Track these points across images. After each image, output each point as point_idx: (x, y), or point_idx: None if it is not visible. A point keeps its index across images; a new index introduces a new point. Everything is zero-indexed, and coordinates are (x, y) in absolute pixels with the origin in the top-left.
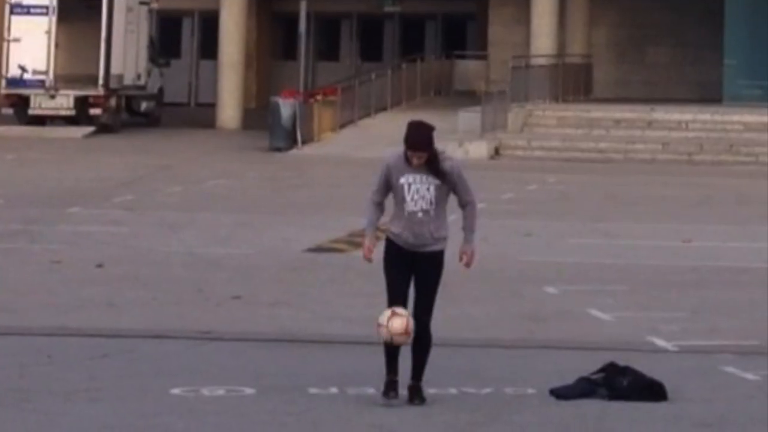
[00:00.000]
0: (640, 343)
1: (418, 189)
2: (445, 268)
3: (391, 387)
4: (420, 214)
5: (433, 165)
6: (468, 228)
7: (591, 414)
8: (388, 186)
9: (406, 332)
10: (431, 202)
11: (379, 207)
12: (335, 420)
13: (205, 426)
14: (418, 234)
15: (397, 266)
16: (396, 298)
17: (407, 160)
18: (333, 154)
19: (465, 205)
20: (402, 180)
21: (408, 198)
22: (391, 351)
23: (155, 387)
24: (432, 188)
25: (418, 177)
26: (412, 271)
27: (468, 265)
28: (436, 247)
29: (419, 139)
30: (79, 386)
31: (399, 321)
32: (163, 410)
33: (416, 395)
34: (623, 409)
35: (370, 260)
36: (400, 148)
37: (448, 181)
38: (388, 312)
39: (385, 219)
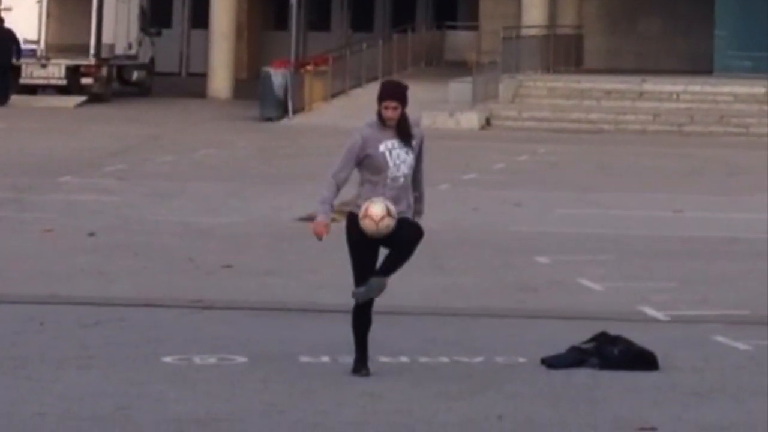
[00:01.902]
0: (631, 313)
1: (399, 154)
2: (435, 239)
3: (361, 364)
4: (402, 180)
5: (403, 127)
6: (418, 212)
7: (582, 383)
8: (358, 160)
9: (388, 214)
10: (411, 166)
11: (339, 187)
12: (327, 388)
13: (196, 394)
14: (399, 201)
15: (364, 245)
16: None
17: (382, 122)
18: (324, 123)
19: (418, 183)
20: (381, 147)
21: (391, 163)
22: (360, 330)
23: (147, 355)
24: (410, 152)
25: (396, 142)
26: (381, 245)
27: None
28: (408, 215)
29: (394, 89)
30: (70, 354)
31: (376, 207)
32: (154, 378)
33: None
34: (614, 378)
35: (321, 237)
36: (369, 118)
37: (414, 146)
38: (363, 208)
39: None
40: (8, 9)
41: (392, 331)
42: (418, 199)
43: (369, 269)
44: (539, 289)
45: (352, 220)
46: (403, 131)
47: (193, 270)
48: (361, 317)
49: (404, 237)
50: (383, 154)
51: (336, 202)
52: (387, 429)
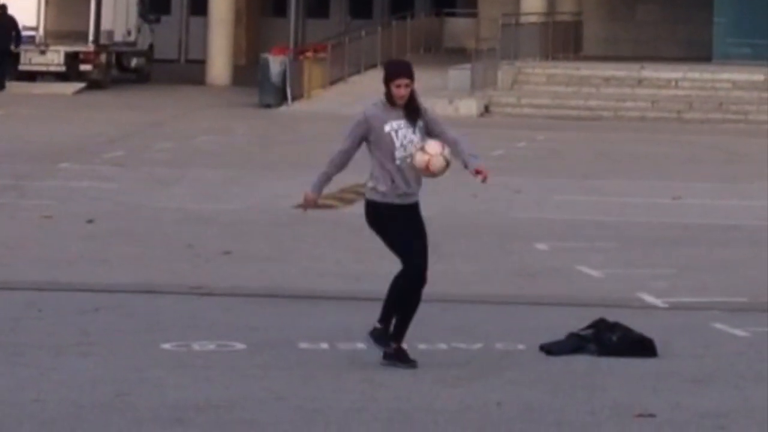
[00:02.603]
0: (629, 300)
1: (405, 134)
2: (434, 225)
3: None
4: (410, 159)
5: (411, 106)
6: (470, 153)
7: (580, 370)
8: (363, 139)
9: (442, 154)
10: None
11: (341, 163)
12: (325, 375)
13: (195, 380)
14: (410, 181)
15: (397, 220)
16: (411, 249)
17: (390, 102)
18: (322, 110)
19: (454, 138)
20: (387, 128)
21: (398, 144)
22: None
23: (146, 342)
24: (417, 131)
25: (402, 122)
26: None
27: (485, 176)
28: (418, 198)
29: (403, 66)
30: (70, 341)
31: (434, 143)
32: (153, 365)
33: (404, 358)
34: (613, 364)
35: (304, 208)
36: (375, 98)
37: (425, 122)
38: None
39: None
40: None
41: None
42: (457, 147)
43: (408, 236)
44: (538, 275)
45: (369, 206)
46: (412, 109)
47: (192, 257)
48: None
49: (423, 230)
50: (389, 134)
51: (335, 189)
52: (386, 415)
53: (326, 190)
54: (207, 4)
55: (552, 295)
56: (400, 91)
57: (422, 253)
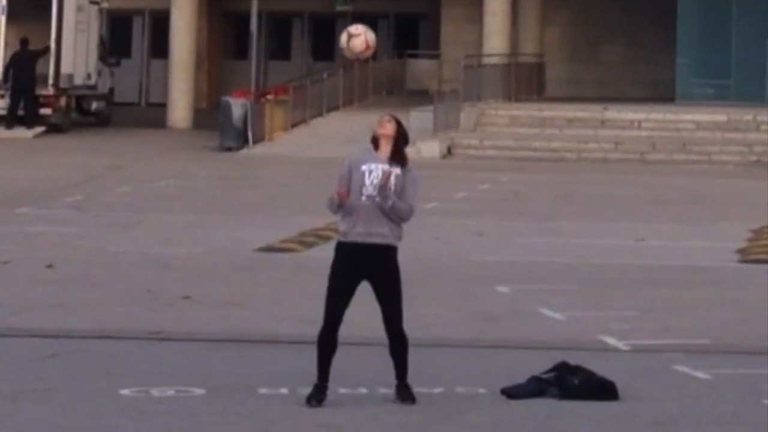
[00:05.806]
0: (591, 343)
1: (378, 174)
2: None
3: (318, 392)
4: (378, 199)
5: (396, 158)
6: (395, 203)
7: (542, 413)
8: (349, 179)
9: (367, 47)
10: (390, 188)
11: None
12: (285, 420)
13: (154, 427)
14: (374, 222)
15: (344, 278)
16: (333, 317)
17: (375, 147)
18: (284, 153)
19: (408, 202)
20: (363, 167)
21: (368, 182)
22: (325, 354)
23: (104, 388)
24: (392, 176)
25: (380, 165)
26: (360, 281)
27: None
28: (390, 241)
29: (388, 117)
30: (27, 387)
31: (358, 41)
32: (112, 411)
33: (407, 394)
34: (574, 408)
35: (341, 197)
36: (366, 145)
37: (403, 174)
38: (344, 35)
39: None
40: None
41: (351, 362)
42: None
43: (340, 308)
44: (500, 318)
45: (337, 248)
46: (398, 161)
47: (151, 301)
48: (328, 341)
49: (392, 281)
50: (363, 173)
51: (295, 233)
52: None
53: (286, 234)
54: (167, 47)
55: (514, 338)
56: (384, 129)
57: (394, 317)
